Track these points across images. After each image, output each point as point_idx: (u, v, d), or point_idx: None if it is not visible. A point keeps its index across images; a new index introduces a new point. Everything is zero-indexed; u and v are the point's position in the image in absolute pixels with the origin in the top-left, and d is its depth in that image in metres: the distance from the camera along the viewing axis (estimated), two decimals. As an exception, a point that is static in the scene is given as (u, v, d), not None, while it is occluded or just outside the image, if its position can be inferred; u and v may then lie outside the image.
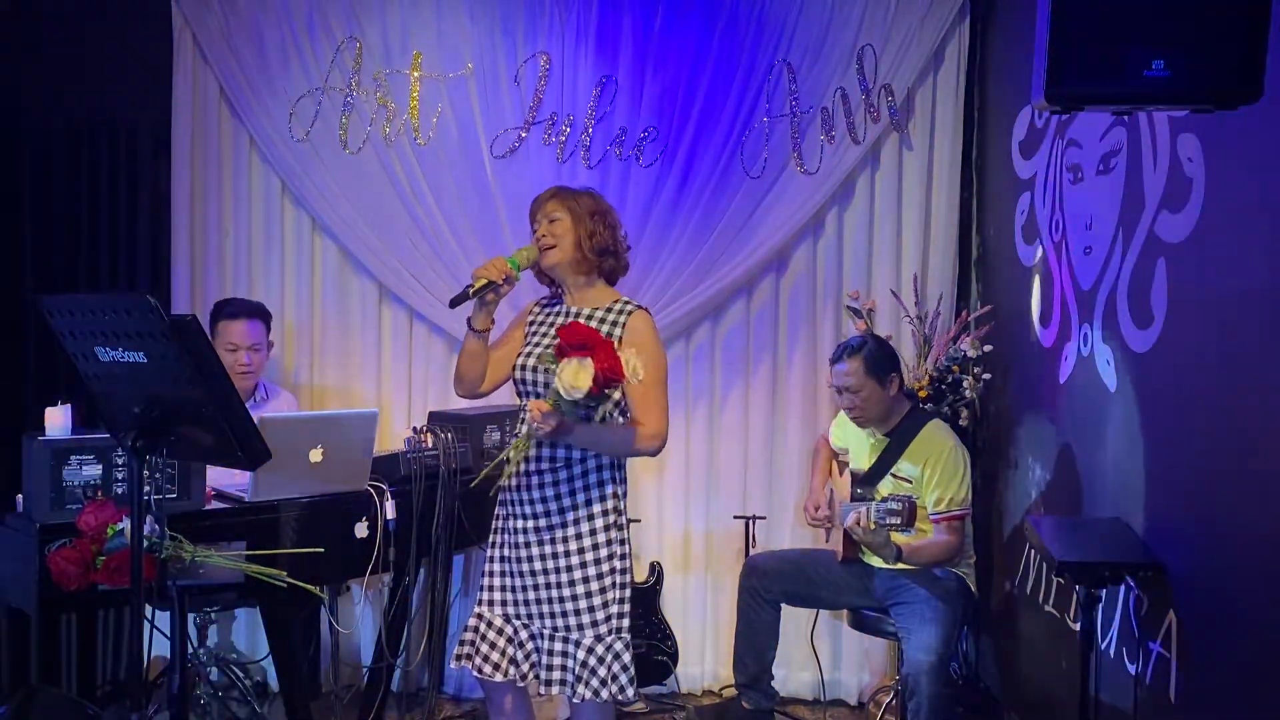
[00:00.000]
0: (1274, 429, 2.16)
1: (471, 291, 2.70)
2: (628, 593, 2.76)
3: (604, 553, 2.72)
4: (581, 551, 2.71)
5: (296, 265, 4.19)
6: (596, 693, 2.68)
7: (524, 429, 2.71)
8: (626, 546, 2.78)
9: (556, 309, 2.86)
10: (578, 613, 2.70)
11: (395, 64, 4.09)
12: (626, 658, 2.72)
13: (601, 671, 2.69)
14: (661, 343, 2.83)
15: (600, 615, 2.71)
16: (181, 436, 2.23)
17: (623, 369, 2.50)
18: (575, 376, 2.47)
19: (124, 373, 2.20)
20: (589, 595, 2.70)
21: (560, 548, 2.72)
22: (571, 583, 2.71)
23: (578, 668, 2.69)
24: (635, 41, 4.06)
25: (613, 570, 2.73)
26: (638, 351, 2.60)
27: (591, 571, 2.71)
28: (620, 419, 2.75)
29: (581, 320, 2.75)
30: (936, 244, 4.13)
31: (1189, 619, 2.47)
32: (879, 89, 4.06)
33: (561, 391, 2.49)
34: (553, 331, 2.74)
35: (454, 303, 2.76)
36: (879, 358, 3.54)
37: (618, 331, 2.72)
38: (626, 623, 2.75)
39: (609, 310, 2.76)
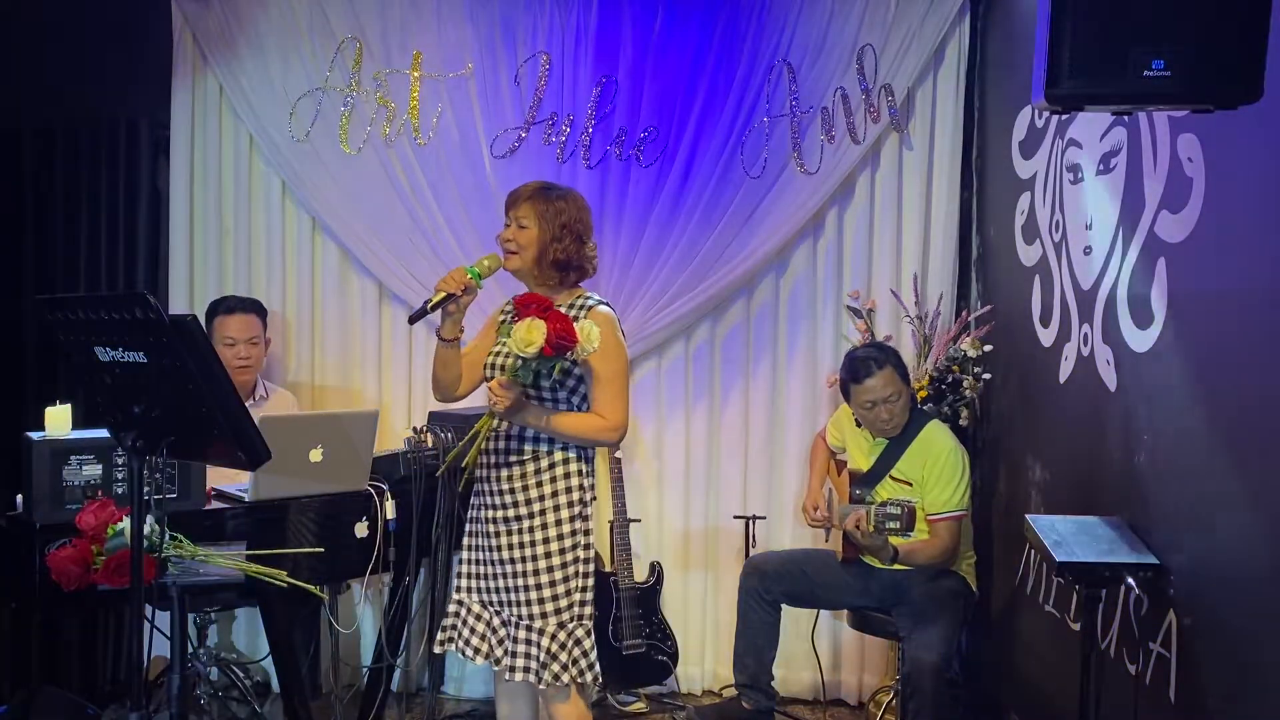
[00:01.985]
0: (1274, 429, 2.16)
1: (430, 306, 2.73)
2: (590, 581, 2.82)
3: (569, 543, 2.78)
4: (547, 541, 2.77)
5: (296, 265, 4.19)
6: (557, 677, 2.75)
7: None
8: (591, 536, 2.84)
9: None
10: (541, 601, 2.76)
11: (395, 64, 4.09)
12: (588, 644, 2.80)
13: (563, 657, 2.76)
14: (622, 338, 2.84)
15: (564, 603, 2.77)
16: (181, 436, 2.23)
17: (575, 333, 2.55)
18: (528, 332, 2.52)
19: (124, 373, 2.20)
20: (553, 584, 2.77)
21: (528, 537, 2.78)
22: (536, 572, 2.77)
23: (542, 655, 2.76)
24: (635, 41, 4.06)
25: (576, 560, 2.79)
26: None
27: (556, 561, 2.77)
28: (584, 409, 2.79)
29: None
30: (936, 244, 4.13)
31: (1189, 619, 2.47)
32: (879, 89, 4.06)
33: (515, 350, 2.54)
34: None
35: (412, 319, 2.80)
36: (900, 361, 3.56)
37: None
38: (589, 610, 2.81)
39: (571, 307, 2.79)
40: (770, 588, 3.66)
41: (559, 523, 2.78)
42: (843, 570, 3.65)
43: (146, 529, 2.30)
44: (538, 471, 2.78)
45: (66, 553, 2.60)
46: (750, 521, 4.08)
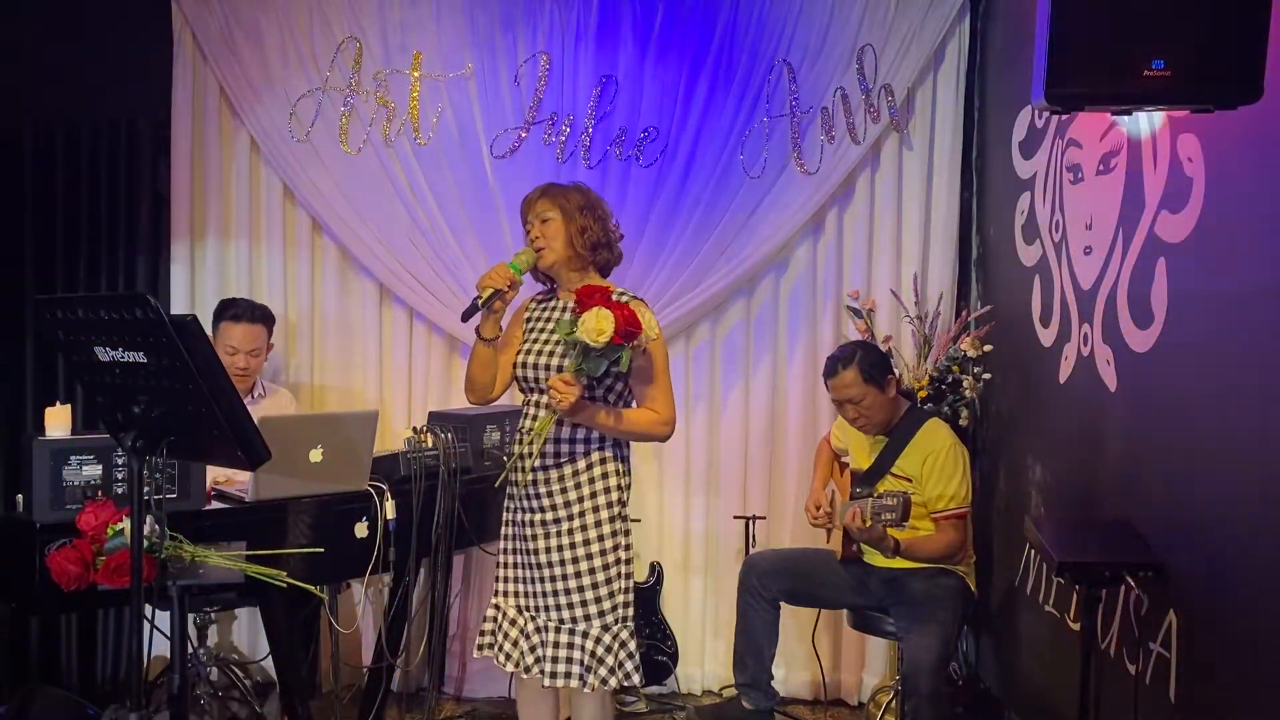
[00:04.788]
0: (1274, 429, 2.16)
1: (480, 302, 2.75)
2: (632, 583, 2.82)
3: (610, 544, 2.77)
4: (588, 543, 2.75)
5: (297, 265, 4.19)
6: (604, 681, 2.73)
7: (537, 415, 2.78)
8: (630, 538, 2.84)
9: (552, 304, 2.91)
10: (584, 604, 2.75)
11: (395, 64, 4.09)
12: (632, 645, 2.79)
13: (610, 660, 2.74)
14: (661, 331, 2.85)
15: (607, 605, 2.76)
16: (181, 436, 2.23)
17: (640, 320, 2.58)
18: (599, 321, 2.54)
19: (124, 373, 2.20)
20: (595, 586, 2.75)
21: (567, 539, 2.76)
22: (579, 574, 2.75)
23: (586, 658, 2.74)
24: (635, 41, 4.06)
25: (618, 561, 2.78)
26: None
27: (598, 563, 2.75)
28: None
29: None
30: (936, 244, 4.13)
31: (1189, 619, 2.47)
32: (879, 89, 4.06)
33: (589, 340, 2.54)
34: (552, 326, 2.83)
35: (465, 316, 2.79)
36: (872, 363, 3.53)
37: None
38: (631, 611, 2.80)
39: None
40: (769, 586, 3.65)
41: (599, 524, 2.76)
42: (842, 569, 3.65)
43: (146, 529, 2.30)
44: (576, 474, 2.77)
45: (66, 553, 2.61)
46: (750, 521, 4.07)
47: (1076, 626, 3.00)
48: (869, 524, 3.26)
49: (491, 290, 2.74)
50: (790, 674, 4.18)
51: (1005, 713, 3.73)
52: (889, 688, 3.92)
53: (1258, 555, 2.21)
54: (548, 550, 2.78)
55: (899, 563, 3.47)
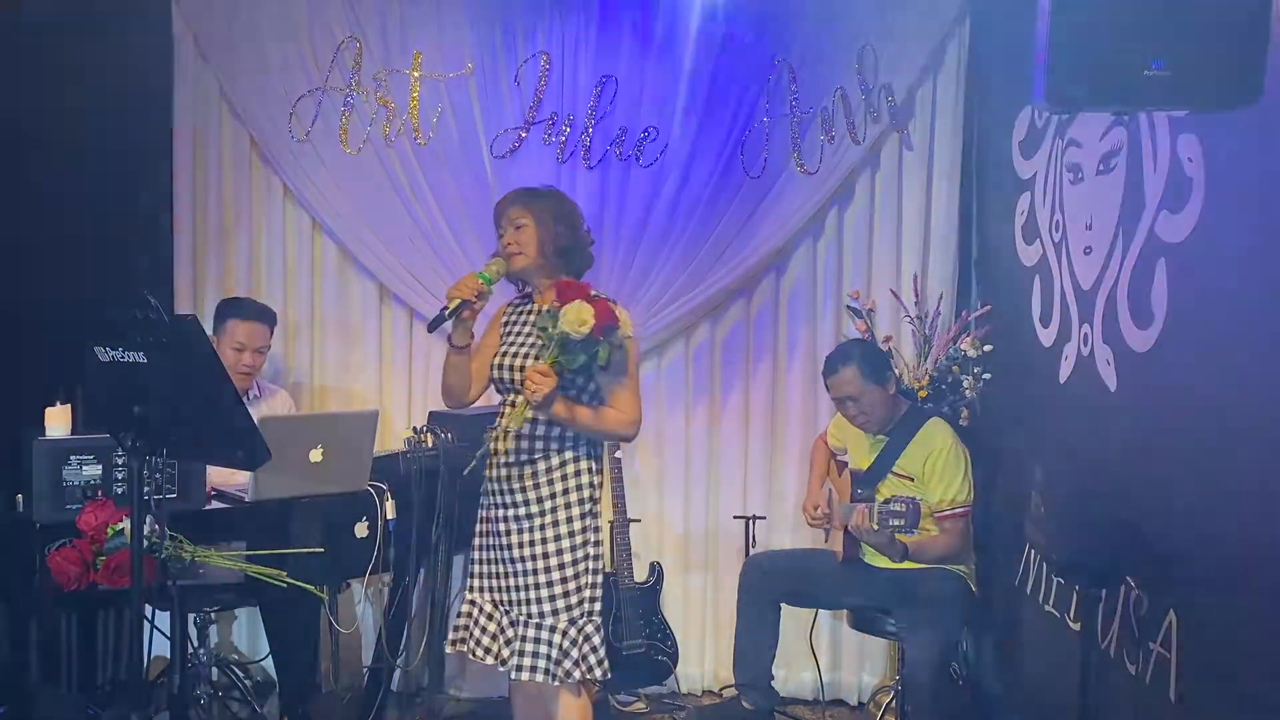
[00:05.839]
0: (1274, 429, 2.16)
1: (446, 313, 2.79)
2: (599, 577, 2.87)
3: (580, 539, 2.83)
4: (559, 539, 2.81)
5: (297, 265, 4.19)
6: (569, 674, 2.78)
7: (507, 409, 2.83)
8: (600, 534, 2.89)
9: (528, 308, 2.95)
10: (553, 598, 2.79)
11: (395, 64, 4.09)
12: (596, 640, 2.84)
13: (575, 654, 2.80)
14: (634, 334, 2.88)
15: (575, 599, 2.81)
16: (181, 436, 2.23)
17: (616, 315, 2.66)
18: (580, 313, 2.61)
19: (124, 373, 2.20)
20: (564, 580, 2.80)
21: (539, 535, 2.81)
22: (549, 569, 2.80)
23: (555, 652, 2.79)
24: (635, 41, 4.06)
25: (587, 556, 2.84)
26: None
27: (568, 558, 2.80)
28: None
29: None
30: (936, 244, 4.13)
31: (1189, 619, 2.47)
32: (879, 89, 4.06)
33: (570, 330, 2.61)
34: (528, 329, 2.87)
35: (431, 326, 2.83)
36: (873, 361, 3.54)
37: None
38: (598, 605, 2.86)
39: None
40: (770, 587, 3.66)
41: (570, 520, 2.81)
42: (843, 570, 3.64)
43: (146, 529, 2.30)
44: (549, 470, 2.81)
45: (66, 553, 2.61)
46: (750, 521, 4.07)
47: (1076, 626, 3.00)
48: (877, 529, 3.26)
49: (459, 301, 2.78)
50: (790, 674, 4.17)
51: (1005, 713, 3.72)
52: (889, 688, 3.93)
53: (1258, 555, 2.21)
54: (520, 545, 2.82)
55: (905, 563, 3.46)
